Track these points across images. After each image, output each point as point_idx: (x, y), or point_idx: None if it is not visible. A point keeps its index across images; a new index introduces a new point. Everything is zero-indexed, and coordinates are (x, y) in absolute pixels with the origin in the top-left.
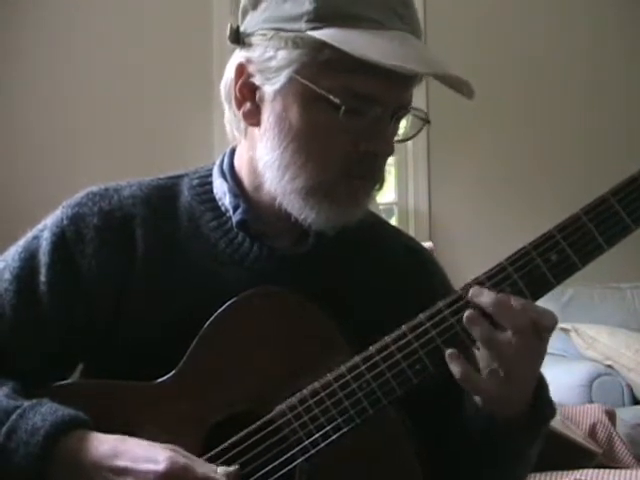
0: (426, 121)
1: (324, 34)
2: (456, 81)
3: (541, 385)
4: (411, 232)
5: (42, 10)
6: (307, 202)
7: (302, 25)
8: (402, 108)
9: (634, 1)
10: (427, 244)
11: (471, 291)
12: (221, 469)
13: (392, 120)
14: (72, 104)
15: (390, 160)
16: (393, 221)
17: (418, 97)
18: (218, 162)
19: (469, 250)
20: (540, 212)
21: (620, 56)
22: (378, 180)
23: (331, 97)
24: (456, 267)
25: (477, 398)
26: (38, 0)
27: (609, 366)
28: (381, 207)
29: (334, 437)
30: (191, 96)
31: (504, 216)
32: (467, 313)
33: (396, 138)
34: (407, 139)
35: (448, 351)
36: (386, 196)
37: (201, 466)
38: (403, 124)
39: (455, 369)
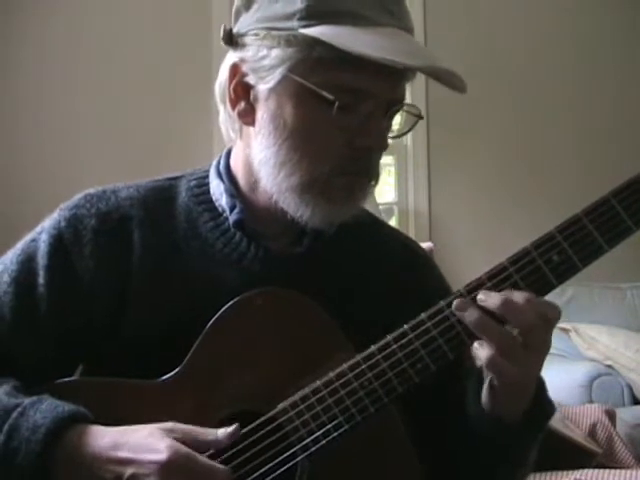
0: (419, 117)
1: (316, 31)
2: (446, 75)
3: (540, 384)
4: (411, 232)
5: (43, 11)
6: (303, 199)
7: (294, 23)
8: (395, 103)
9: (631, 4)
10: (427, 244)
11: (479, 295)
12: (221, 431)
13: (385, 115)
14: (72, 105)
15: (390, 160)
16: (393, 221)
17: (418, 97)
18: (215, 163)
19: (469, 250)
20: (540, 212)
21: (620, 59)
22: (373, 176)
23: (324, 93)
24: (456, 267)
25: (486, 400)
26: (40, 1)
27: (609, 366)
28: (381, 207)
29: (335, 435)
30: (191, 97)
31: (504, 216)
32: (473, 318)
33: (390, 134)
34: (401, 135)
35: (476, 343)
36: (386, 196)
37: (200, 434)
38: (397, 120)
39: (482, 354)
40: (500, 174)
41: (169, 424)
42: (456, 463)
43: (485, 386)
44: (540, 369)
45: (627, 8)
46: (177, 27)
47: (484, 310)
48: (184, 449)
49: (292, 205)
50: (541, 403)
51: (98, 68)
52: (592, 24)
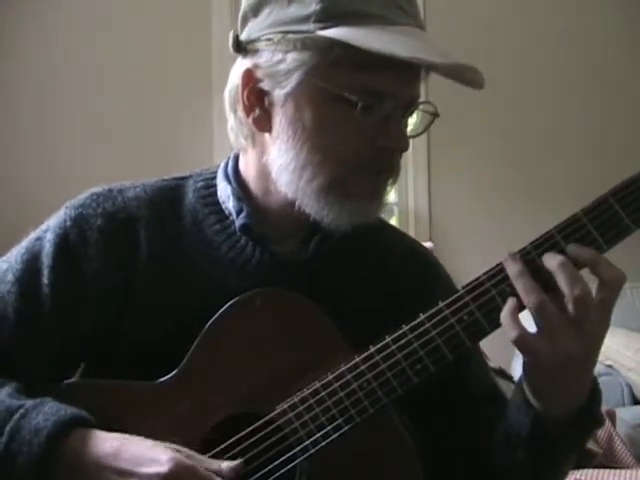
0: (435, 115)
1: (334, 33)
2: (467, 71)
3: (595, 389)
4: (411, 232)
5: (43, 10)
6: (327, 202)
7: (310, 26)
8: (413, 102)
9: (636, 4)
10: (427, 244)
11: (545, 257)
12: (225, 464)
13: (404, 115)
14: (72, 106)
15: None
16: (393, 221)
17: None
18: (222, 165)
19: (469, 250)
20: (540, 212)
21: (626, 58)
22: (394, 173)
23: (346, 94)
24: (456, 267)
25: (530, 392)
26: (40, 2)
27: (609, 366)
28: None
29: (334, 436)
30: (191, 98)
31: (504, 216)
32: (516, 269)
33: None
34: (417, 135)
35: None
36: None
37: (205, 462)
38: (411, 120)
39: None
40: (500, 174)
41: (175, 445)
42: (461, 463)
43: (522, 369)
44: (589, 363)
45: (628, 8)
46: (177, 28)
47: (534, 273)
48: (187, 462)
49: (316, 208)
50: (590, 408)
51: (98, 69)
52: (593, 24)
